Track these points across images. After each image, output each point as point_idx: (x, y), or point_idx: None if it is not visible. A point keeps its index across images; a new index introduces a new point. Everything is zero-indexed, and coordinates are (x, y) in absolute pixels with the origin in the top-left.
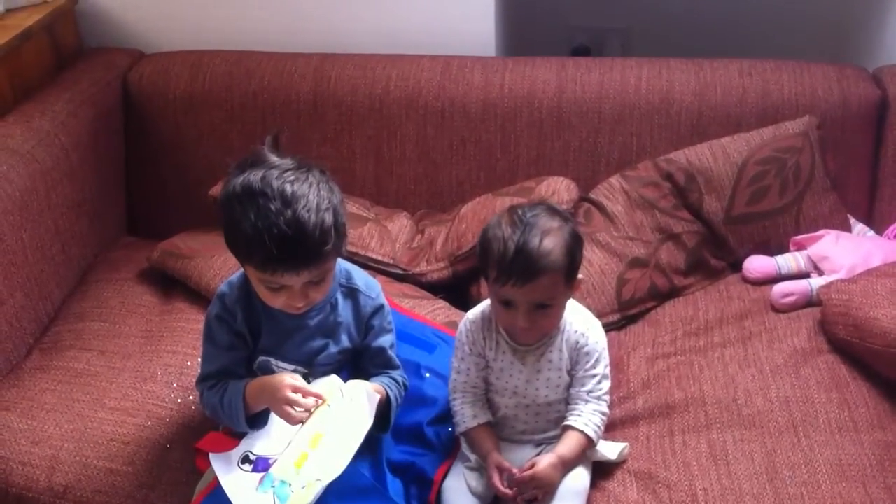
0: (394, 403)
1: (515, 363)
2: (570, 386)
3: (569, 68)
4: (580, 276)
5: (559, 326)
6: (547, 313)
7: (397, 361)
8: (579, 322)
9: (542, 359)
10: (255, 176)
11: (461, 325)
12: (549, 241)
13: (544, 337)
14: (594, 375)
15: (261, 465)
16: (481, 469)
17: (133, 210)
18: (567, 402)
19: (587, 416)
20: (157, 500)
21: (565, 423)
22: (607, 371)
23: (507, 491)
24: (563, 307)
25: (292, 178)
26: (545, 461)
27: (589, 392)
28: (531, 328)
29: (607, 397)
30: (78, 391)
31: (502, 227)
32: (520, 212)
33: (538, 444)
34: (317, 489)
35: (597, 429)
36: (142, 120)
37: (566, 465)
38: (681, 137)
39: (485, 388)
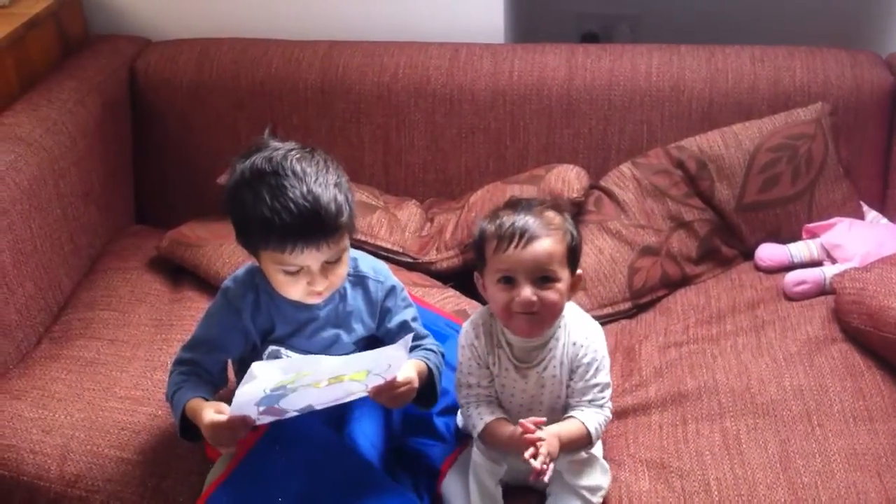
0: (436, 373)
1: (518, 380)
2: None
3: (578, 55)
4: (579, 271)
5: (556, 336)
6: (551, 290)
7: (424, 331)
8: (578, 331)
9: (545, 373)
10: (260, 159)
11: (461, 345)
12: (551, 212)
13: (546, 329)
14: (595, 385)
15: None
16: (490, 475)
17: (141, 198)
18: (566, 407)
19: (589, 414)
20: (169, 489)
21: (566, 414)
22: (609, 379)
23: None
24: (564, 293)
25: (298, 156)
26: (546, 430)
27: (591, 401)
28: (535, 308)
29: (610, 404)
30: (88, 380)
31: (500, 214)
32: (519, 200)
33: None
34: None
35: (598, 426)
36: (149, 108)
37: (561, 441)
38: (692, 125)
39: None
